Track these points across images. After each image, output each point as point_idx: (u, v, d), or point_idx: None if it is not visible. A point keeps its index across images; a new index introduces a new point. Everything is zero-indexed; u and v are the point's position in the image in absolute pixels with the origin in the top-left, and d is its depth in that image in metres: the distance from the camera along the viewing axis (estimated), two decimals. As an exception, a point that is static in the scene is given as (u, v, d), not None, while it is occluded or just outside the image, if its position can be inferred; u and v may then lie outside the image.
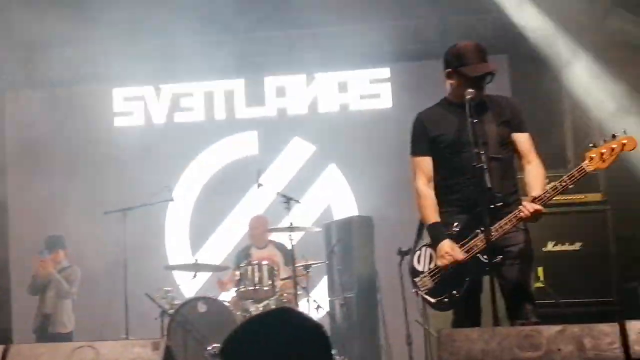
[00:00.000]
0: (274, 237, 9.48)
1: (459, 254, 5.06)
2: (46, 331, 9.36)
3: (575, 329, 4.19)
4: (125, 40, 10.25)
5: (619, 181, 7.07)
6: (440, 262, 5.12)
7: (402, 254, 6.37)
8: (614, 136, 4.94)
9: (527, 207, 4.92)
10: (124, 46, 10.46)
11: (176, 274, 10.06)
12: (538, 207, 4.92)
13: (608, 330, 4.17)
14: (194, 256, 9.47)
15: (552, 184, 5.04)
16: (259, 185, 8.55)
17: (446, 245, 5.10)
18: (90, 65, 10.94)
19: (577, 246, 7.77)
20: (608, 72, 9.53)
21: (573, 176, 4.93)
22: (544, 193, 4.97)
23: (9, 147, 11.12)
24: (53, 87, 11.06)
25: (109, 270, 9.56)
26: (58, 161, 10.87)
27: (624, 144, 4.90)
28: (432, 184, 5.32)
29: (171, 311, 8.23)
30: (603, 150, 4.92)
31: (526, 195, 5.13)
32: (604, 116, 9.52)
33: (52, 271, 9.38)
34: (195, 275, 8.77)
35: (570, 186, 4.99)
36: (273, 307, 8.33)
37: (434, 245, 5.20)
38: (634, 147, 4.93)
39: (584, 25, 10.17)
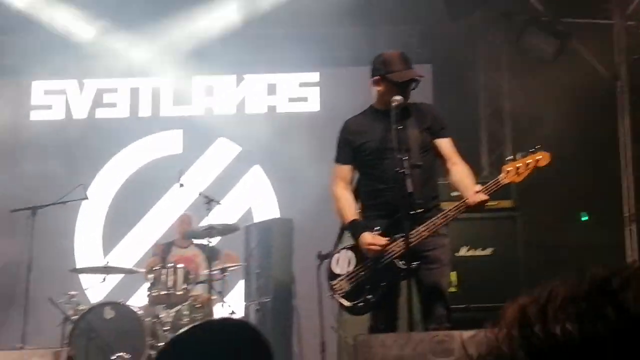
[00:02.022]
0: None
1: (381, 240, 5.11)
2: None
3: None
4: (50, 33, 10.12)
5: (529, 188, 7.26)
6: (369, 255, 5.16)
7: (322, 258, 6.37)
8: (529, 151, 5.09)
9: (475, 198, 5.01)
10: (48, 39, 10.30)
11: (84, 277, 9.51)
12: (485, 197, 5.03)
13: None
14: (105, 258, 9.15)
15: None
16: (181, 185, 8.37)
17: (367, 236, 5.15)
18: (8, 57, 10.77)
19: (488, 251, 7.91)
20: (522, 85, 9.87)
21: (490, 187, 5.06)
22: (488, 184, 5.10)
23: None
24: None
25: (10, 271, 9.21)
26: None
27: (537, 160, 5.07)
28: (350, 189, 5.42)
29: (75, 317, 7.72)
30: (519, 165, 5.08)
31: (449, 199, 5.22)
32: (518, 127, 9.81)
33: None
34: (104, 279, 8.36)
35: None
36: (186, 312, 8.06)
37: (354, 240, 5.24)
38: (547, 163, 5.11)
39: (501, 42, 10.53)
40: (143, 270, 8.55)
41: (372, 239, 5.13)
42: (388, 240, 5.11)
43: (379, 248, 5.11)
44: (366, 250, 5.15)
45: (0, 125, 10.50)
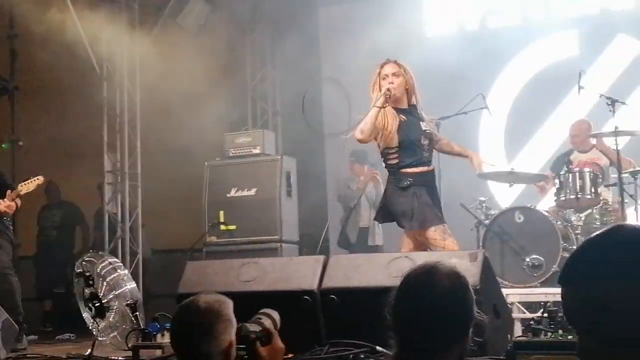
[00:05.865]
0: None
1: None
2: (364, 244, 9.80)
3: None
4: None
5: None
6: None
7: None
8: None
9: None
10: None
11: (491, 183, 9.55)
12: None
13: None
14: (510, 165, 9.24)
15: None
16: (580, 88, 8.03)
17: None
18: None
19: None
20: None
21: None
22: None
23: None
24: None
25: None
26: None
27: None
28: None
29: (487, 222, 8.02)
30: None
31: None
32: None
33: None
34: (511, 185, 8.44)
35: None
36: (596, 217, 8.07)
37: None
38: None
39: None
40: (548, 173, 8.79)
41: None
42: None
43: None
44: None
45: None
